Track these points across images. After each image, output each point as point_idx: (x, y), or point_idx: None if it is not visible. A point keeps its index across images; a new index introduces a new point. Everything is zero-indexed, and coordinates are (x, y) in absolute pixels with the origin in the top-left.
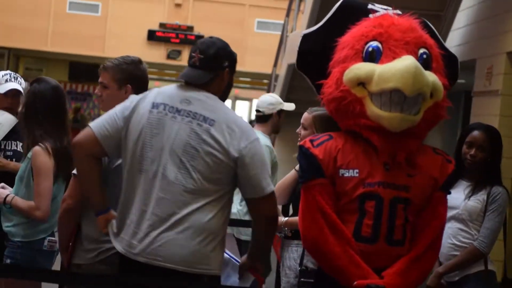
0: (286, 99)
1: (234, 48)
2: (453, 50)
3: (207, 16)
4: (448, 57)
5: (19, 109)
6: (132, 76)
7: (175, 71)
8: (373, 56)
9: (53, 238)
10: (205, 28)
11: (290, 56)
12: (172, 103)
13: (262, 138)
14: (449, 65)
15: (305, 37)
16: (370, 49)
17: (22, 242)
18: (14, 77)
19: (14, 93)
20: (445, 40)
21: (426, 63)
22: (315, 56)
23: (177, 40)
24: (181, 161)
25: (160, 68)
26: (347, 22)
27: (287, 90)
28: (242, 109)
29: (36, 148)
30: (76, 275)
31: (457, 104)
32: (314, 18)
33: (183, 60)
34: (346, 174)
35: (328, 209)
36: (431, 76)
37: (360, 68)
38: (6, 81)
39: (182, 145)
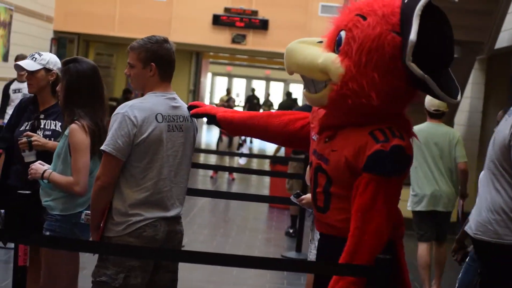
0: None
1: (298, 32)
2: (510, 31)
3: (271, 0)
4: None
5: (57, 88)
6: (156, 55)
7: (246, 56)
8: None
9: (89, 212)
10: (270, 13)
11: None
12: None
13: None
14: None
15: None
16: None
17: (61, 216)
18: (31, 55)
19: (22, 69)
20: (502, 22)
21: (337, 45)
22: None
23: (242, 24)
24: None
25: (225, 52)
26: None
27: None
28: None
29: (73, 125)
30: (111, 245)
31: None
32: None
33: (248, 44)
34: (313, 137)
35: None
36: (321, 57)
37: None
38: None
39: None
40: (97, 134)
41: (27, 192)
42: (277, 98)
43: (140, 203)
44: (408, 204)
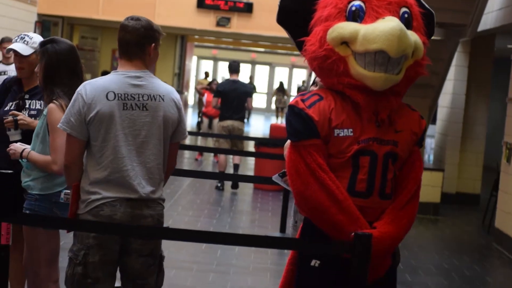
0: None
1: None
2: (493, 14)
3: None
4: (426, 14)
5: (35, 69)
6: (118, 36)
7: (231, 39)
8: (356, 16)
9: (69, 191)
10: None
11: None
12: None
13: None
14: (427, 22)
15: None
16: (353, 8)
17: (40, 195)
18: (21, 38)
19: (14, 52)
20: (484, 4)
21: (407, 22)
22: (295, 12)
23: (226, 8)
24: None
25: (209, 35)
26: None
27: None
28: (300, 76)
29: (51, 105)
30: (84, 222)
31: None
32: None
33: (233, 27)
34: (341, 134)
35: (326, 166)
36: (413, 36)
37: (344, 28)
38: (14, 42)
39: None
40: None
41: (9, 171)
42: (262, 82)
43: (100, 182)
44: None
